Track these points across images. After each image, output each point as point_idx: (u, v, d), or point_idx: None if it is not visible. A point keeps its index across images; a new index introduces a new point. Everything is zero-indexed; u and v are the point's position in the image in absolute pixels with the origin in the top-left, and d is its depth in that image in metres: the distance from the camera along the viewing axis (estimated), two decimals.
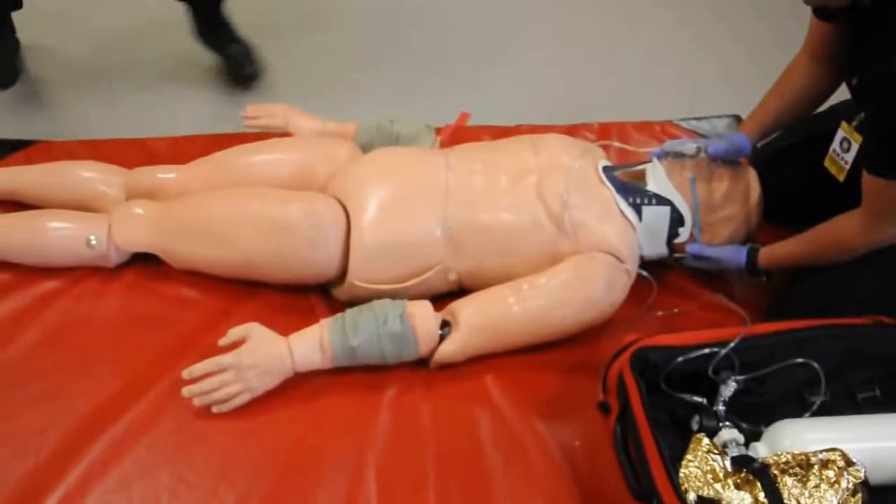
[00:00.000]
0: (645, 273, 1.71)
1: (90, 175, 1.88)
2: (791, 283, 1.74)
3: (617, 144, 1.97)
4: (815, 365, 1.39)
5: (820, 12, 1.63)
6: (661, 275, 1.82)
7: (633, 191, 1.74)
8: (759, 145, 1.90)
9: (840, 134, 1.68)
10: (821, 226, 1.61)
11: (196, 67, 2.59)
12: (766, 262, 1.71)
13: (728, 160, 1.80)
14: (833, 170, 1.71)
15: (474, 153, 1.79)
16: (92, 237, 1.73)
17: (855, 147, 1.64)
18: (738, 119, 2.32)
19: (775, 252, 1.69)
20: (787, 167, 1.88)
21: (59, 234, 1.75)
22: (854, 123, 1.64)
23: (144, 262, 1.80)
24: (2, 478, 1.41)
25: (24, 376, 1.58)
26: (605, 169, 1.77)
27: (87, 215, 1.78)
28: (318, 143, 1.90)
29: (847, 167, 1.67)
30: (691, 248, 1.77)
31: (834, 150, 1.70)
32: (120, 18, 2.84)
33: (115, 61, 2.63)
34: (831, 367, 1.41)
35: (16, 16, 2.47)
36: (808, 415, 1.41)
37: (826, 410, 1.40)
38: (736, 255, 1.74)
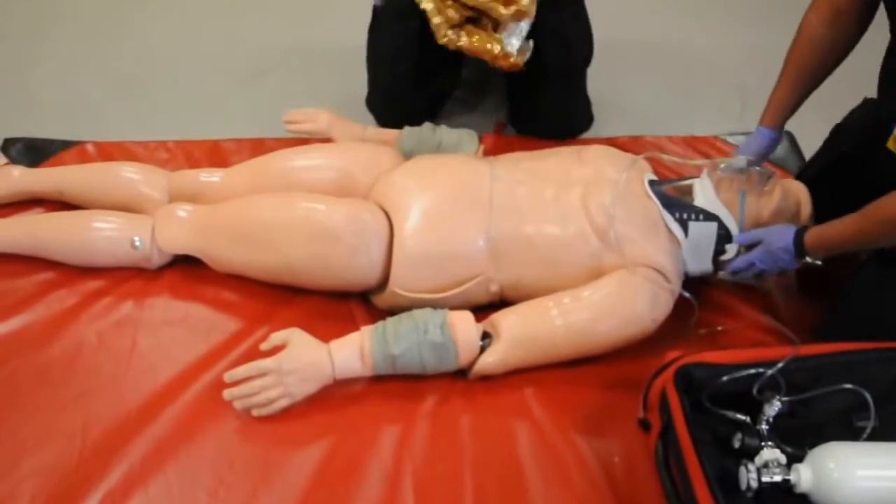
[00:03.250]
0: (687, 294, 1.69)
1: (134, 177, 1.89)
2: (840, 302, 1.68)
3: (664, 157, 1.93)
4: (866, 395, 1.36)
5: None
6: (705, 291, 1.80)
7: (680, 206, 1.71)
8: (807, 160, 1.86)
9: None
10: (875, 203, 1.48)
11: (238, 71, 2.62)
12: (815, 243, 1.58)
13: (774, 166, 1.76)
14: (894, 148, 1.61)
15: (519, 163, 1.77)
16: (136, 238, 1.75)
17: None
18: (786, 133, 2.28)
19: (826, 232, 1.57)
20: (835, 181, 1.82)
21: (103, 235, 1.77)
22: None
23: (186, 265, 1.81)
24: (48, 473, 1.43)
25: (68, 375, 1.60)
26: (651, 183, 1.75)
27: (132, 216, 1.80)
28: (361, 150, 1.90)
29: None
30: (740, 238, 1.70)
31: None
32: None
33: (158, 63, 2.66)
34: (881, 391, 1.38)
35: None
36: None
37: (874, 436, 1.37)
38: (783, 233, 1.62)
